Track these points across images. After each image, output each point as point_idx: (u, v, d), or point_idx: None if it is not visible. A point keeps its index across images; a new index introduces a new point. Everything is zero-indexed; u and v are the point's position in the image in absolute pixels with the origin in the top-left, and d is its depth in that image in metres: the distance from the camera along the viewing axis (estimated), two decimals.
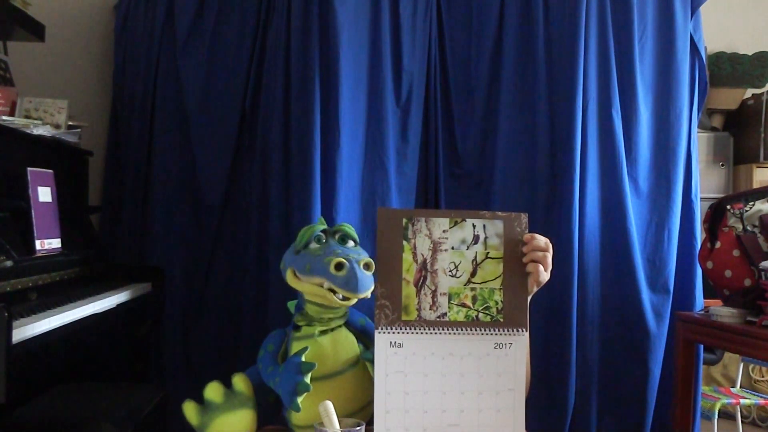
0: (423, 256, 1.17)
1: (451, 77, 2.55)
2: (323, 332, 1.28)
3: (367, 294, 1.24)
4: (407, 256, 1.17)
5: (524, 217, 1.21)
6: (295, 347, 1.26)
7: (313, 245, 1.27)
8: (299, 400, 1.16)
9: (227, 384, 1.26)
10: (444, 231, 1.18)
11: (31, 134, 2.06)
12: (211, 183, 2.50)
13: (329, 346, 1.27)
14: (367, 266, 1.23)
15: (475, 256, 1.18)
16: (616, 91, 2.49)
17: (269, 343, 1.33)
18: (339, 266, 1.20)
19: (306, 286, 1.25)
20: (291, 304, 1.35)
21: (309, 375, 1.17)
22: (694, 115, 2.61)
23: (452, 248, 1.18)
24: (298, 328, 1.30)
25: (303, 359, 1.20)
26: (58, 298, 1.83)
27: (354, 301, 1.26)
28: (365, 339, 1.35)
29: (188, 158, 2.52)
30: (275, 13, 2.45)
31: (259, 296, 2.40)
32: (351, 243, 1.30)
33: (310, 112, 2.35)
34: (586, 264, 2.45)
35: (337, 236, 1.30)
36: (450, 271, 1.17)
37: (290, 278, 1.28)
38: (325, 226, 1.32)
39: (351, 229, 1.32)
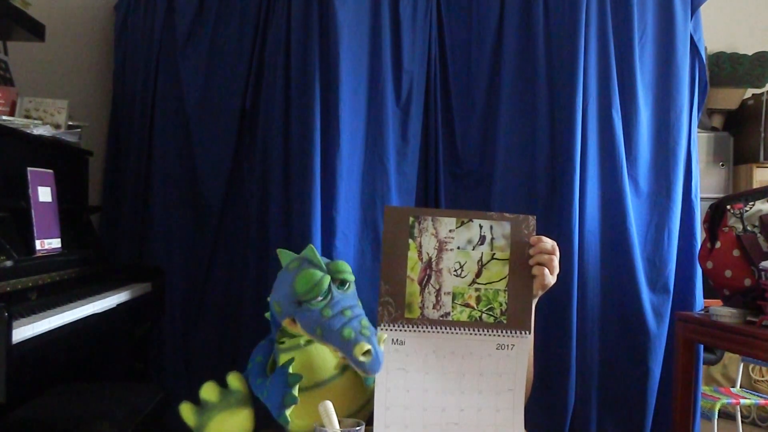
0: (428, 254, 1.17)
1: (451, 77, 2.55)
2: (309, 341, 1.25)
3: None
4: (412, 255, 1.17)
5: (532, 220, 1.21)
6: (283, 358, 1.25)
7: (320, 300, 1.15)
8: (287, 412, 1.15)
9: (224, 384, 1.26)
10: (450, 230, 1.17)
11: (31, 134, 2.06)
12: (211, 183, 2.50)
13: (317, 354, 1.25)
14: (379, 339, 1.13)
15: (481, 257, 1.18)
16: (616, 91, 2.49)
17: (257, 355, 1.31)
18: (367, 353, 1.09)
19: (306, 334, 1.17)
20: (269, 314, 1.32)
21: (296, 387, 1.16)
22: (694, 115, 2.61)
23: (458, 248, 1.17)
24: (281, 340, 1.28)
25: (290, 371, 1.19)
26: (58, 298, 1.83)
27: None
28: None
29: (188, 158, 2.52)
30: (275, 14, 2.45)
31: (259, 296, 2.40)
32: (347, 287, 1.20)
33: (310, 112, 2.35)
34: (586, 264, 2.45)
35: (337, 282, 1.19)
36: (455, 270, 1.17)
37: (287, 324, 1.19)
38: (325, 273, 1.18)
39: (348, 271, 1.21)
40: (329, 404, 1.07)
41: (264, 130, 2.44)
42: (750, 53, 3.37)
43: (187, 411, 1.23)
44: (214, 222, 2.51)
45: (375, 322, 1.17)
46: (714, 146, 3.39)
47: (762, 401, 2.80)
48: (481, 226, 1.19)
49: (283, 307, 1.20)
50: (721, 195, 3.03)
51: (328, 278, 1.18)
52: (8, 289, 1.65)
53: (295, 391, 1.15)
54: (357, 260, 2.39)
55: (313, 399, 1.16)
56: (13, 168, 1.89)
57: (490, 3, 2.52)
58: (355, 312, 1.14)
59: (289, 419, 1.15)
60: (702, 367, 2.54)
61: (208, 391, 1.23)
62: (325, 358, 1.25)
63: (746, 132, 3.37)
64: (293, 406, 1.14)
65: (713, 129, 3.44)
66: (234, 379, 1.25)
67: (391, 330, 1.15)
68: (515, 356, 1.18)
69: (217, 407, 1.22)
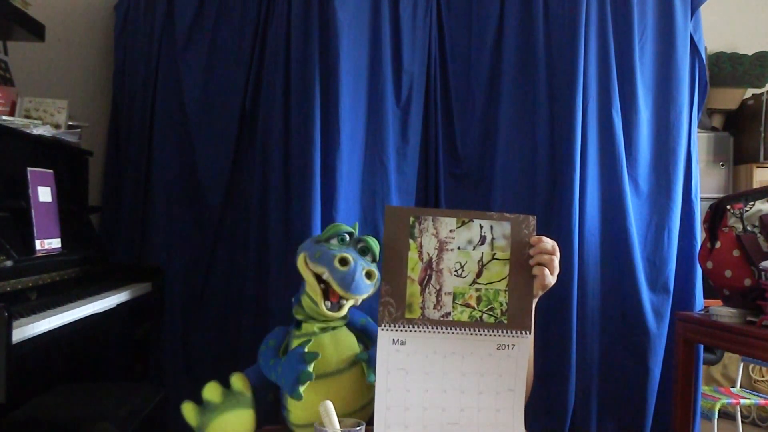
0: (429, 255, 1.17)
1: (451, 77, 2.55)
2: (323, 329, 1.28)
3: (358, 298, 1.25)
4: (413, 255, 1.17)
5: (532, 220, 1.20)
6: (296, 344, 1.26)
7: (334, 242, 1.29)
8: (302, 389, 1.16)
9: (226, 384, 1.26)
10: (451, 231, 1.17)
11: (31, 134, 2.06)
12: (211, 183, 2.50)
13: (329, 344, 1.27)
14: (368, 274, 1.23)
15: (482, 257, 1.18)
16: (616, 91, 2.49)
17: (270, 339, 1.34)
18: (343, 261, 1.21)
19: (309, 276, 1.26)
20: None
21: (312, 364, 1.18)
22: (694, 115, 2.61)
23: (458, 248, 1.17)
24: (298, 325, 1.31)
25: (306, 350, 1.20)
26: (58, 298, 1.83)
27: (341, 314, 1.26)
28: (365, 339, 1.35)
29: (188, 158, 2.52)
30: (275, 13, 2.45)
31: (259, 296, 2.40)
32: (369, 257, 1.31)
33: (310, 112, 2.35)
34: (586, 264, 2.45)
35: (359, 245, 1.31)
36: (455, 270, 1.17)
37: (301, 263, 1.29)
38: (354, 232, 1.34)
39: (375, 245, 1.32)
40: (329, 404, 1.07)
41: (264, 130, 2.44)
42: (750, 53, 3.37)
43: (189, 411, 1.24)
44: (214, 222, 2.51)
45: (376, 322, 1.18)
46: (714, 146, 3.39)
47: (762, 401, 2.80)
48: (481, 226, 1.18)
49: (303, 246, 1.32)
50: (721, 195, 3.03)
51: (348, 228, 1.31)
52: (8, 289, 1.65)
53: (311, 368, 1.17)
54: None
55: (319, 388, 1.17)
56: (13, 168, 1.89)
57: (490, 3, 2.52)
58: (358, 259, 1.24)
59: (303, 395, 1.16)
60: (702, 367, 2.54)
61: (211, 392, 1.24)
62: (336, 349, 1.27)
63: (746, 132, 3.37)
64: (307, 384, 1.16)
65: (713, 129, 3.44)
66: (237, 380, 1.26)
67: (392, 330, 1.15)
68: (516, 356, 1.18)
69: (220, 408, 1.23)
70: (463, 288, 1.17)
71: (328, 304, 1.24)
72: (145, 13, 2.55)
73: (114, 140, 2.61)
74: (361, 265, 1.23)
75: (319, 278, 1.25)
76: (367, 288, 1.24)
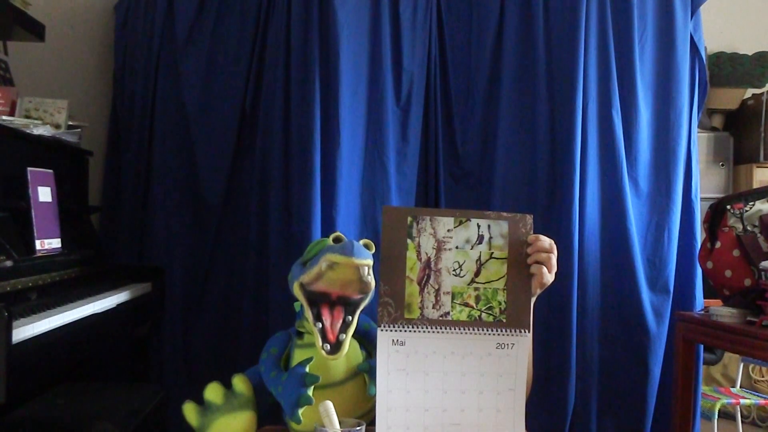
0: (427, 254, 1.16)
1: (451, 77, 2.55)
2: None
3: (362, 263, 1.13)
4: (411, 255, 1.16)
5: (529, 218, 1.20)
6: (298, 355, 1.25)
7: None
8: (300, 412, 1.15)
9: (227, 384, 1.26)
10: (449, 230, 1.17)
11: (31, 134, 2.06)
12: (211, 183, 2.50)
13: None
14: (366, 245, 1.18)
15: (480, 256, 1.18)
16: (616, 91, 2.49)
17: (272, 346, 1.31)
18: (337, 239, 1.16)
19: (307, 310, 1.19)
20: (297, 305, 1.34)
21: (312, 388, 1.16)
22: (694, 115, 2.61)
23: (456, 247, 1.17)
24: (300, 335, 1.29)
25: (307, 370, 1.19)
26: (58, 298, 1.83)
27: (341, 355, 1.16)
28: (368, 345, 1.34)
29: (188, 158, 2.52)
30: (275, 13, 2.45)
31: (259, 296, 2.40)
32: None
33: (310, 112, 2.35)
34: (586, 264, 2.45)
35: None
36: (454, 270, 1.17)
37: (297, 291, 1.23)
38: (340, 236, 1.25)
39: (368, 242, 1.23)
40: (329, 404, 1.07)
41: (264, 130, 2.44)
42: (750, 53, 3.37)
43: (190, 411, 1.23)
44: (214, 222, 2.51)
45: (375, 323, 1.17)
46: (714, 146, 3.38)
47: (762, 401, 2.80)
48: (479, 226, 1.18)
49: (293, 273, 1.24)
50: (721, 195, 3.02)
51: (334, 236, 1.21)
52: (8, 289, 1.65)
53: (310, 392, 1.15)
54: None
55: (323, 399, 1.16)
56: (13, 168, 1.89)
57: (490, 3, 2.52)
58: None
59: (302, 419, 1.15)
60: (702, 367, 2.54)
61: (213, 393, 1.23)
62: (340, 360, 1.25)
63: (746, 132, 3.37)
64: (307, 406, 1.15)
65: (713, 129, 3.44)
66: (239, 382, 1.25)
67: (391, 330, 1.15)
68: (515, 355, 1.18)
69: (221, 409, 1.22)
70: (462, 287, 1.17)
71: (327, 347, 1.15)
72: (145, 13, 2.56)
73: (114, 140, 2.62)
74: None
75: (316, 314, 1.17)
76: (368, 255, 1.15)
